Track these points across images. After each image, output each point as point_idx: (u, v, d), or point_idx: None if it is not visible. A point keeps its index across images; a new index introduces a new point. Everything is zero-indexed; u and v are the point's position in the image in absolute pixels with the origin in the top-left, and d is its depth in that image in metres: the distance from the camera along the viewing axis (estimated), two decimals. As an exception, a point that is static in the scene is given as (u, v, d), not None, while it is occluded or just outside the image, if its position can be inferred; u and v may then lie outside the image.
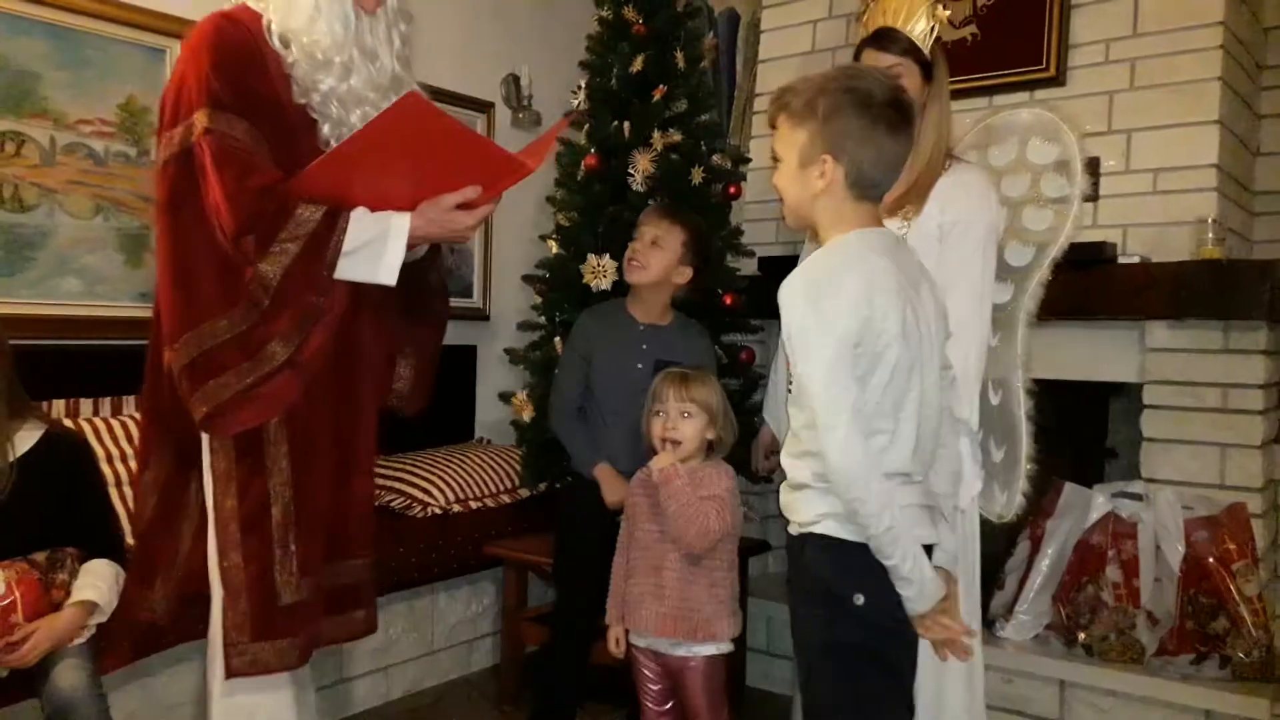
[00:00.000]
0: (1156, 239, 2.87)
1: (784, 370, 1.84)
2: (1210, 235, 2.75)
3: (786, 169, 1.60)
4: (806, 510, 1.57)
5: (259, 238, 1.72)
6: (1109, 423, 3.21)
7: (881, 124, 1.52)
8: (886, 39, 2.10)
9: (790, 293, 1.54)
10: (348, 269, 1.77)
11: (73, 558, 2.02)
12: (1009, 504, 2.14)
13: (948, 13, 2.11)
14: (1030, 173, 2.31)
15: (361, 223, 1.77)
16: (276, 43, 1.83)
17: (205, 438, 1.82)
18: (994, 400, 2.18)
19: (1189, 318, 2.71)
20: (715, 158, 3.11)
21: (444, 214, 1.81)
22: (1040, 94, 3.11)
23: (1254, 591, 2.51)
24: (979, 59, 3.20)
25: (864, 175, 1.54)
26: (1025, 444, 2.14)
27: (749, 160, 3.30)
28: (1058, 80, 3.10)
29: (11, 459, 1.97)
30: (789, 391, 1.62)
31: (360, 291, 1.83)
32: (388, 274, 1.78)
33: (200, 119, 1.73)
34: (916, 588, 1.50)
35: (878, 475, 1.49)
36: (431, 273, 2.08)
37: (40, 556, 1.97)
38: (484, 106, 4.06)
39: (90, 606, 1.97)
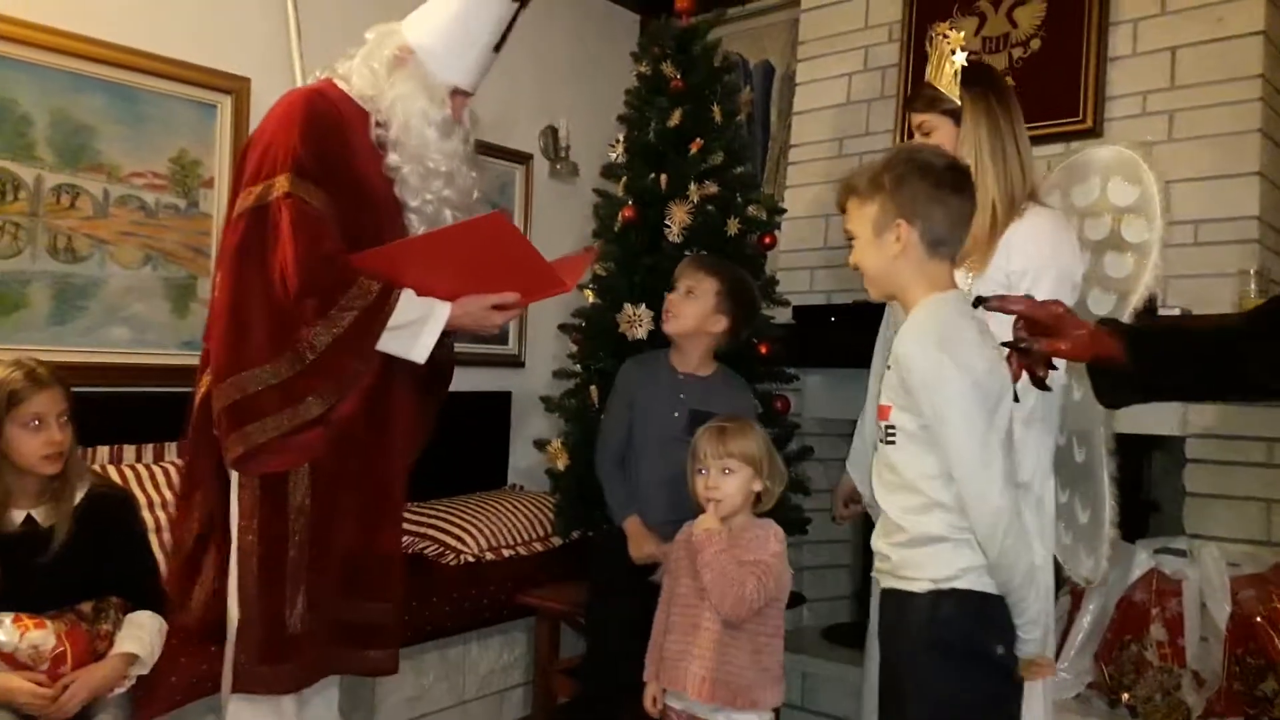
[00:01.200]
0: (1197, 291, 2.84)
1: (872, 421, 1.85)
2: (1254, 287, 2.71)
3: (862, 243, 1.67)
4: (942, 566, 1.59)
5: (320, 301, 1.89)
6: (1151, 476, 3.15)
7: (945, 185, 1.62)
8: (915, 97, 2.13)
9: (921, 345, 1.57)
10: (388, 342, 1.94)
11: (116, 608, 2.05)
12: (1096, 568, 2.07)
13: (965, 53, 2.06)
14: (1111, 215, 2.19)
15: (409, 304, 1.95)
16: (392, 151, 2.04)
17: (234, 474, 1.97)
18: (1078, 458, 2.10)
19: (1232, 371, 2.67)
20: (750, 208, 3.13)
21: (481, 311, 2.01)
22: (1076, 145, 3.10)
23: (1305, 652, 2.44)
24: (1015, 111, 3.21)
25: (935, 233, 1.62)
26: (1109, 506, 2.06)
27: (784, 210, 3.33)
28: (1095, 132, 3.10)
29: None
30: (890, 441, 1.63)
31: (394, 362, 2.00)
32: (421, 353, 1.97)
33: (282, 182, 1.89)
34: (1042, 629, 1.59)
35: (1019, 517, 1.57)
36: (446, 347, 2.23)
37: (86, 607, 2.01)
38: (523, 158, 4.13)
39: (131, 658, 2.01)
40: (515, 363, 4.13)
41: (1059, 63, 3.17)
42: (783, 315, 3.34)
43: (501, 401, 4.05)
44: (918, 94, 2.12)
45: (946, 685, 1.60)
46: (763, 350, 3.04)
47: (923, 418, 1.57)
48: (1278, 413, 2.64)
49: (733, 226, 3.04)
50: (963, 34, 2.07)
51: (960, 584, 1.58)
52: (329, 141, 1.96)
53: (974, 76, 2.07)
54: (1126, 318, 2.19)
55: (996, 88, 2.08)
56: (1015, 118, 2.05)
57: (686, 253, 2.96)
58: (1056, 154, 3.02)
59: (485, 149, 3.93)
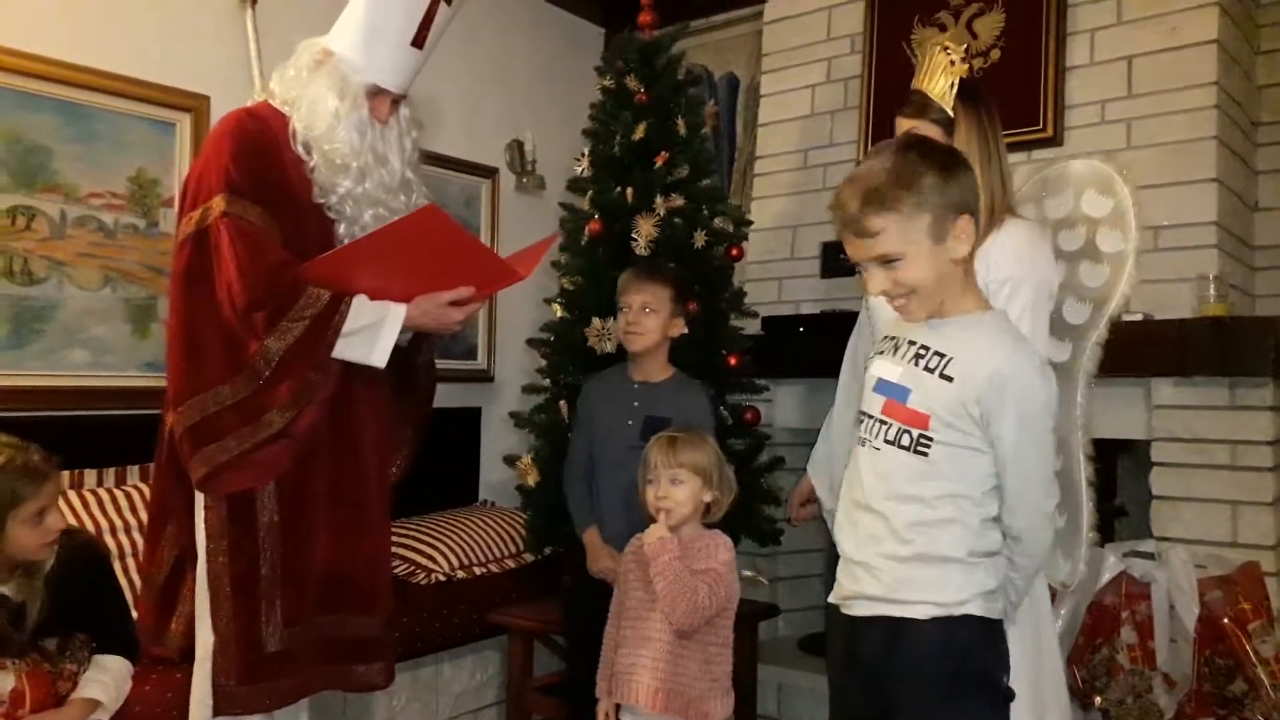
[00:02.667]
0: (1159, 297, 2.88)
1: (845, 425, 1.85)
2: (1213, 291, 2.75)
3: (915, 258, 1.54)
4: (951, 590, 1.54)
5: (269, 314, 1.87)
6: (1117, 480, 3.18)
7: (960, 163, 1.59)
8: (906, 103, 2.12)
9: (1032, 366, 1.57)
10: (344, 349, 1.92)
11: (83, 644, 2.00)
12: (1072, 572, 2.08)
13: (965, 66, 2.06)
14: (1086, 226, 2.22)
15: (362, 308, 1.93)
16: (300, 149, 2.00)
17: (200, 496, 1.94)
18: (1055, 464, 2.11)
19: (1195, 375, 2.70)
20: (717, 221, 3.14)
21: (438, 309, 1.99)
22: (1039, 154, 3.14)
23: (1271, 652, 2.47)
24: (976, 120, 3.24)
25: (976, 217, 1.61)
26: (1087, 510, 2.07)
27: (750, 222, 3.34)
28: (1055, 140, 3.14)
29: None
30: (921, 452, 1.56)
31: (355, 370, 1.97)
32: (380, 357, 1.94)
33: (218, 203, 1.89)
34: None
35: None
36: (420, 353, 2.23)
37: (51, 644, 1.94)
38: (489, 172, 4.11)
39: (93, 705, 1.95)
40: (485, 378, 4.10)
41: (1019, 73, 3.21)
42: (751, 326, 3.35)
43: (471, 417, 4.02)
44: (908, 100, 2.11)
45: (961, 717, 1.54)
46: (732, 362, 3.04)
47: (991, 435, 1.53)
48: (1241, 415, 2.67)
49: (699, 239, 3.04)
50: (964, 48, 2.09)
51: (972, 609, 1.53)
52: (261, 159, 1.95)
53: (968, 90, 2.06)
54: (1103, 326, 2.23)
55: (987, 103, 2.10)
56: (999, 133, 2.07)
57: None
58: (1019, 162, 3.05)
59: (450, 163, 3.92)
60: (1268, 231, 3.31)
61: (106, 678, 2.00)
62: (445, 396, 3.88)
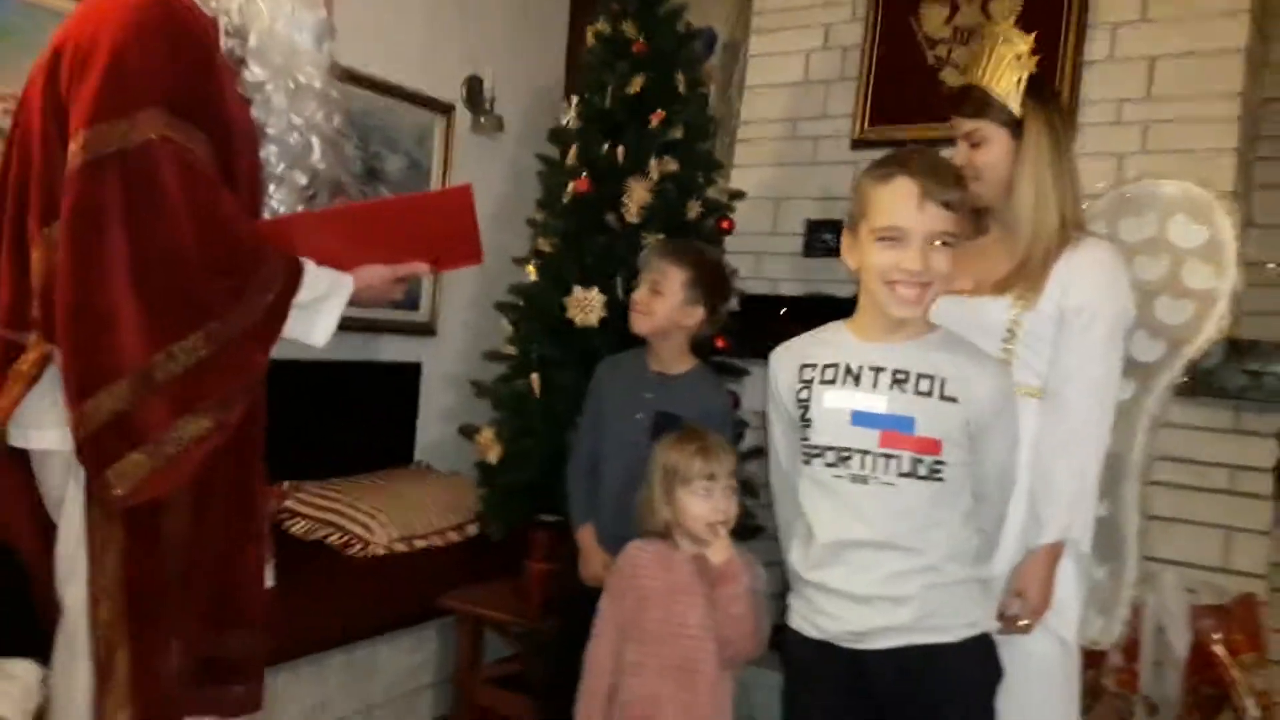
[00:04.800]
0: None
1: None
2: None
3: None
4: (976, 609, 1.62)
5: (235, 284, 1.48)
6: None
7: None
8: (963, 99, 1.89)
9: (1005, 376, 1.70)
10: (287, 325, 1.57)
11: None
12: (1107, 630, 1.94)
13: (1034, 59, 1.86)
14: (1170, 256, 2.04)
15: (316, 279, 1.58)
16: (250, 63, 1.59)
17: (76, 506, 1.51)
18: (1102, 511, 1.94)
19: (1205, 396, 2.62)
20: (711, 190, 2.90)
21: (385, 284, 1.69)
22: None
23: (1263, 685, 2.43)
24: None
25: None
26: (1132, 566, 1.92)
27: (743, 194, 3.10)
28: (1067, 136, 3.00)
29: None
30: (937, 478, 1.58)
31: None
32: (321, 336, 1.61)
33: (154, 121, 1.43)
34: None
35: None
36: None
37: None
38: (444, 109, 3.76)
39: None
40: (426, 330, 3.78)
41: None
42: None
43: (409, 374, 3.71)
44: (966, 96, 1.88)
45: None
46: (719, 344, 2.82)
47: (978, 449, 1.59)
48: (1245, 440, 2.61)
49: (693, 209, 2.80)
50: (1032, 36, 1.86)
51: (989, 625, 1.62)
52: (203, 70, 1.52)
53: (1037, 88, 1.86)
54: (1178, 369, 2.08)
55: (1058, 104, 1.91)
56: (1072, 138, 1.88)
57: (644, 235, 2.71)
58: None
59: (402, 95, 3.56)
60: (1263, 249, 3.26)
61: (13, 689, 1.70)
62: (383, 349, 3.61)
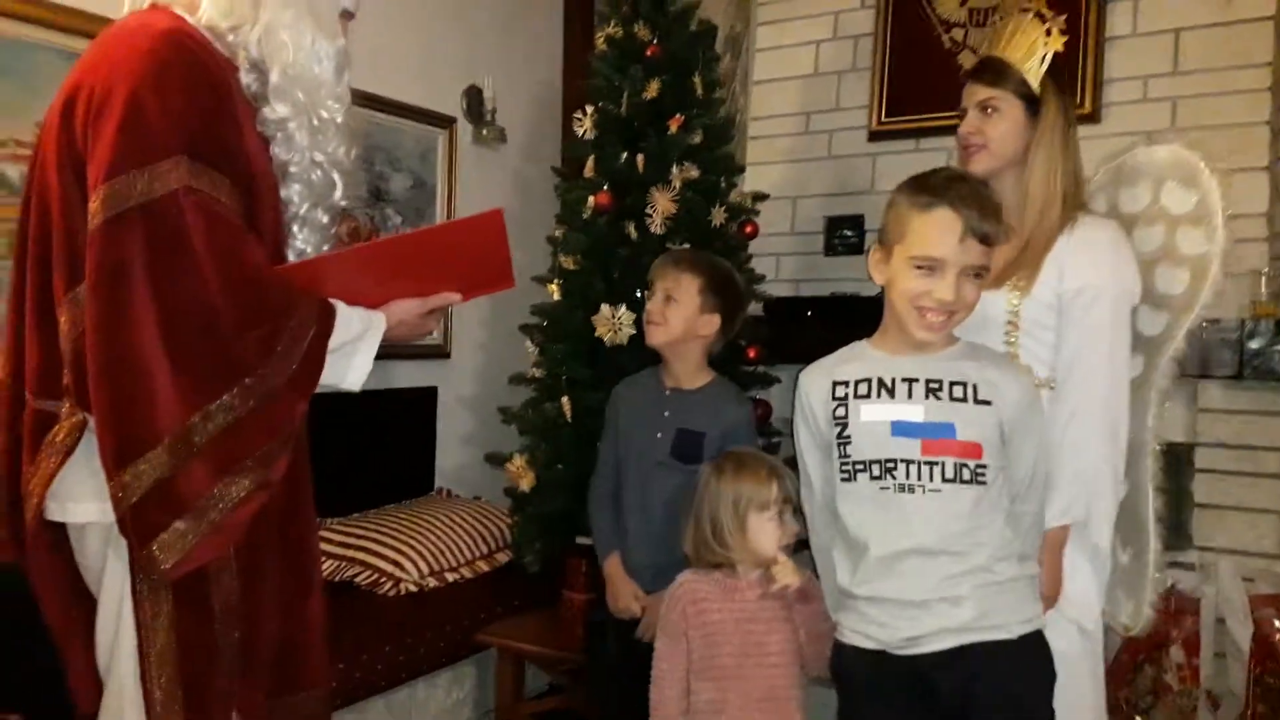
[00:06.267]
0: (1203, 291, 2.72)
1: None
2: (1264, 290, 2.60)
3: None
4: (1029, 605, 1.62)
5: (264, 335, 1.39)
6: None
7: None
8: (984, 68, 1.89)
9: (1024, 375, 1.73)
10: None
11: None
12: (1136, 614, 1.90)
13: (1065, 37, 1.86)
14: (1165, 224, 2.00)
15: (348, 321, 1.49)
16: (271, 99, 1.49)
17: (122, 571, 1.42)
18: (1120, 493, 1.91)
19: (1249, 379, 2.55)
20: (734, 194, 2.81)
21: (417, 319, 1.60)
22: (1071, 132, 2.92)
23: (1333, 676, 2.37)
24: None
25: None
26: (1154, 547, 1.89)
27: (766, 196, 3.01)
28: (1093, 118, 2.92)
29: None
30: (980, 481, 1.58)
31: None
32: (355, 380, 1.52)
33: (176, 171, 1.34)
34: None
35: None
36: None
37: None
38: (446, 122, 3.65)
39: None
40: (439, 354, 3.69)
41: (1054, 40, 2.96)
42: (752, 309, 3.05)
43: (426, 399, 3.61)
44: (987, 65, 1.89)
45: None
46: (751, 354, 2.74)
47: (1009, 451, 1.61)
48: (1297, 424, 2.55)
49: (718, 215, 2.71)
50: (1063, 18, 1.83)
51: (1040, 622, 1.62)
52: (218, 107, 1.43)
53: (1056, 70, 1.87)
54: (1180, 339, 2.03)
55: (1069, 88, 1.96)
56: (1075, 121, 1.90)
57: (669, 245, 2.62)
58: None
59: (403, 111, 3.46)
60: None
61: None
62: (397, 375, 3.51)
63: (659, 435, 2.17)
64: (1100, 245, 1.80)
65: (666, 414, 2.19)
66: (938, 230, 1.54)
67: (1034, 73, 1.83)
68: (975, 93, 1.88)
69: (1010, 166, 1.84)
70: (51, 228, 1.45)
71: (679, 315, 2.16)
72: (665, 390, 2.23)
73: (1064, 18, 1.88)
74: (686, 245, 2.63)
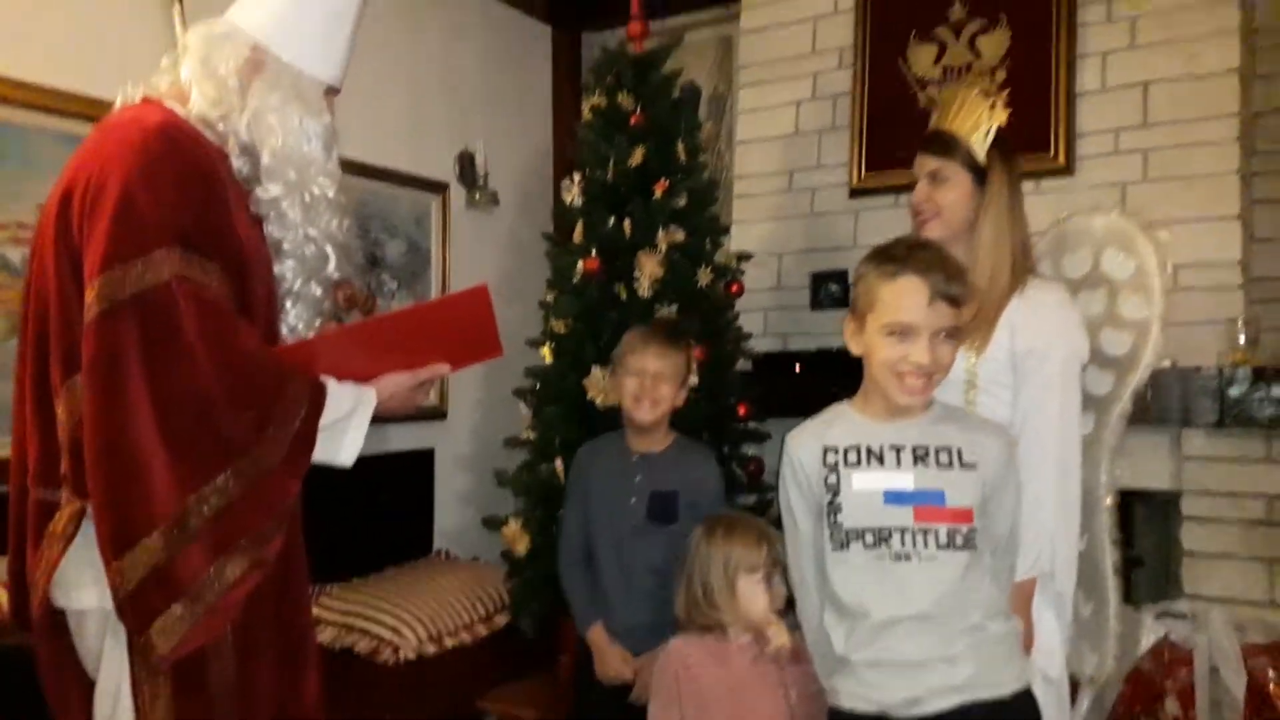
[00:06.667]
0: (1182, 339, 2.74)
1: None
2: (1242, 337, 2.65)
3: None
4: (1018, 660, 1.63)
5: (255, 416, 1.43)
6: (1134, 530, 3.07)
7: None
8: (932, 140, 1.97)
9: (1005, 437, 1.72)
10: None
11: None
12: (1101, 665, 1.94)
13: (1007, 111, 1.94)
14: (1106, 288, 2.10)
15: (339, 397, 1.52)
16: (265, 183, 1.54)
17: (120, 654, 1.44)
18: (1080, 546, 1.96)
19: (1231, 426, 2.59)
20: (719, 254, 2.87)
21: (407, 391, 1.62)
22: (1049, 184, 2.99)
23: (1327, 722, 2.38)
24: (983, 147, 3.07)
25: None
26: (1113, 600, 1.92)
27: (750, 255, 3.06)
28: (1067, 169, 2.99)
29: None
30: (971, 546, 1.59)
31: None
32: (348, 455, 1.54)
33: (169, 261, 1.38)
34: None
35: None
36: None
37: None
38: (439, 188, 3.73)
39: None
40: (436, 414, 3.73)
41: (1027, 95, 3.02)
42: (740, 365, 3.09)
43: (423, 461, 3.65)
44: (935, 137, 1.96)
45: None
46: (741, 411, 2.78)
47: (990, 508, 1.62)
48: (1277, 469, 2.57)
49: (704, 276, 2.76)
50: (1006, 94, 1.92)
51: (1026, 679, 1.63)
52: (208, 196, 1.47)
53: (1001, 141, 1.94)
54: (1127, 398, 2.12)
55: (1015, 157, 1.98)
56: (1021, 189, 1.97)
57: (657, 307, 2.67)
58: (1028, 193, 2.84)
59: (396, 178, 3.54)
60: (1264, 263, 3.25)
61: None
62: (393, 438, 3.55)
63: (632, 500, 2.20)
64: (1048, 307, 1.86)
65: (638, 479, 2.21)
66: (906, 297, 1.58)
67: (979, 144, 1.90)
68: (925, 163, 1.96)
69: (961, 233, 1.90)
70: (49, 317, 1.48)
71: (671, 392, 2.20)
72: (633, 455, 2.25)
73: (1006, 93, 1.99)
74: (675, 307, 2.68)
